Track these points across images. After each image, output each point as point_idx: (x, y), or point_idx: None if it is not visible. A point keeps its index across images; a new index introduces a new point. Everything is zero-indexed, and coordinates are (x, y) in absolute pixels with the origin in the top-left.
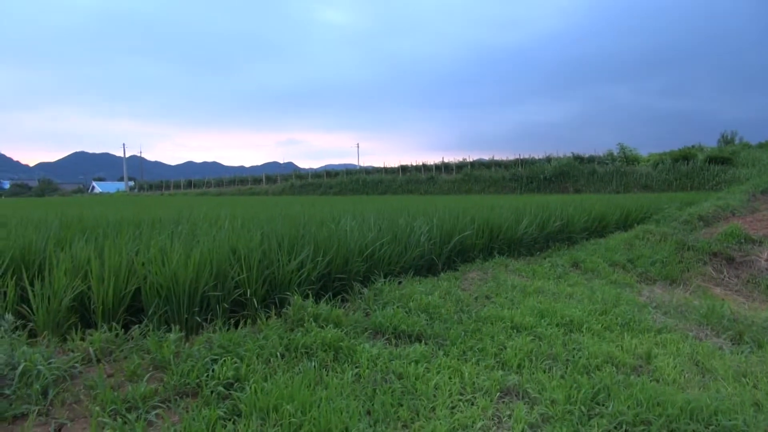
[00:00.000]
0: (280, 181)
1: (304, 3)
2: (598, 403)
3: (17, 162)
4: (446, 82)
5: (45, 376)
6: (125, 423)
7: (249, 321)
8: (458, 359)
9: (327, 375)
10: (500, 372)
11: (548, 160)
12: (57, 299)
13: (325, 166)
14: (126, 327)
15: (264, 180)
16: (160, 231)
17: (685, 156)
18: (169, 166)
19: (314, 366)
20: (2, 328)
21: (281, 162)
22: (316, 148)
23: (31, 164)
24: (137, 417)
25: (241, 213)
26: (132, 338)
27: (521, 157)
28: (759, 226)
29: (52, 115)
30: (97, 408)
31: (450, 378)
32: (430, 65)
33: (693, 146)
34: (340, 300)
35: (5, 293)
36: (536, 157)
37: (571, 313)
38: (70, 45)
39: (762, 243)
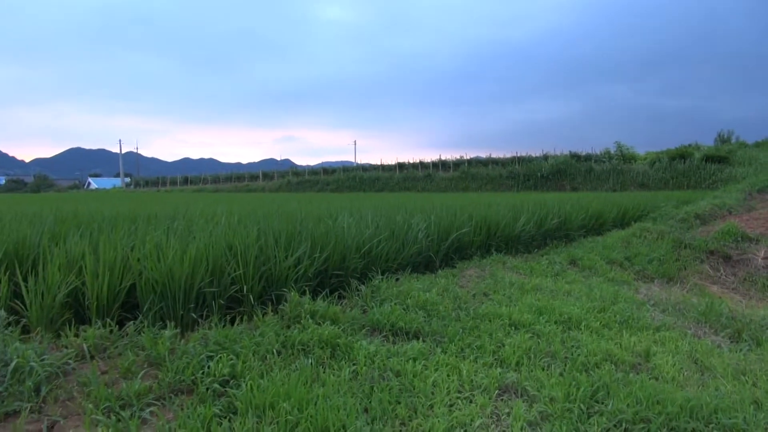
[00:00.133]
0: (277, 178)
1: (305, 0)
2: (597, 401)
3: (13, 158)
4: (444, 79)
5: (38, 372)
6: (119, 420)
7: (245, 318)
8: (456, 356)
9: (324, 372)
10: (498, 369)
11: (545, 158)
12: (51, 295)
13: (323, 163)
14: (121, 323)
15: (261, 177)
16: (156, 227)
17: (681, 155)
18: (166, 162)
19: (311, 363)
20: None
21: (278, 159)
22: (313, 145)
23: (27, 160)
24: (131, 414)
25: (238, 209)
26: (126, 335)
27: (518, 155)
28: (755, 225)
29: (49, 111)
30: (91, 405)
31: (448, 375)
32: (428, 63)
33: (690, 145)
34: (337, 297)
35: None
36: (533, 155)
37: (570, 311)
38: (70, 41)
39: (759, 241)
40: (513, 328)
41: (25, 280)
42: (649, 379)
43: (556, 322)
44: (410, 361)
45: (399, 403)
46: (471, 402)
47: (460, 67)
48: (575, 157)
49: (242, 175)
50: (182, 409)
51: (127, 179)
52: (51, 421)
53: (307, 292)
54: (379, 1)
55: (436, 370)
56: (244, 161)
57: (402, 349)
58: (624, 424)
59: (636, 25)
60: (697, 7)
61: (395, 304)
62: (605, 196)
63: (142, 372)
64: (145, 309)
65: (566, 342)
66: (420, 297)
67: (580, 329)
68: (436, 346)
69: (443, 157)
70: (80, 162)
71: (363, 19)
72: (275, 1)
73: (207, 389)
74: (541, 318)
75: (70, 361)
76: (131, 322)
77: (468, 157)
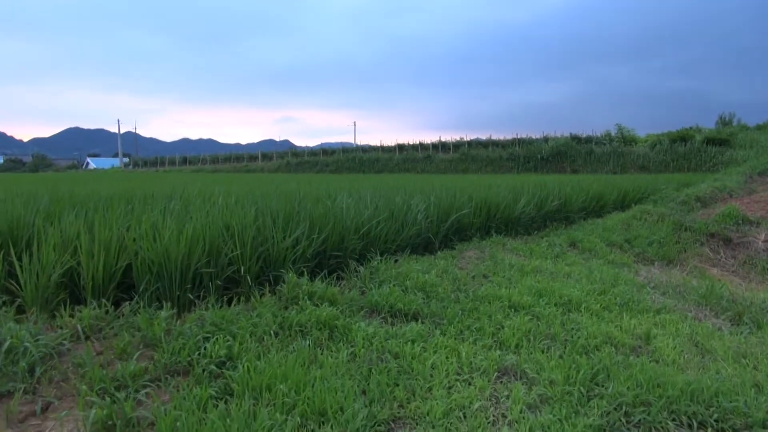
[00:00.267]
0: (276, 158)
1: None
2: (597, 384)
3: (11, 137)
4: (445, 60)
5: (32, 353)
6: (114, 402)
7: (242, 298)
8: (455, 339)
9: (322, 354)
10: (498, 352)
11: (546, 139)
12: (45, 275)
13: (322, 144)
14: (116, 304)
15: (260, 157)
16: (153, 207)
17: (682, 137)
18: (165, 142)
19: (309, 345)
20: None
21: (277, 140)
22: (312, 126)
23: (25, 139)
24: (126, 396)
25: (236, 190)
26: (122, 315)
27: (519, 137)
28: (756, 208)
29: (47, 90)
30: (85, 386)
31: (447, 358)
32: (429, 43)
33: (691, 127)
34: (335, 278)
35: None
36: (534, 137)
37: (570, 293)
38: (68, 17)
39: (759, 224)
40: (512, 310)
41: (19, 259)
42: (650, 362)
43: (556, 305)
44: (409, 343)
45: (397, 385)
46: (470, 384)
47: (460, 48)
48: (576, 139)
49: (241, 155)
50: (178, 391)
51: (126, 159)
52: (45, 403)
53: (305, 273)
54: None
55: (434, 352)
56: (243, 142)
57: (401, 331)
58: (624, 407)
59: (636, 4)
60: None
61: (394, 285)
62: (605, 178)
63: (138, 353)
64: (141, 289)
65: (566, 324)
66: (419, 278)
67: (580, 311)
68: (435, 328)
69: (443, 139)
70: (79, 142)
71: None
72: None
73: (203, 371)
74: (540, 300)
75: (64, 341)
76: (127, 302)
77: (468, 139)
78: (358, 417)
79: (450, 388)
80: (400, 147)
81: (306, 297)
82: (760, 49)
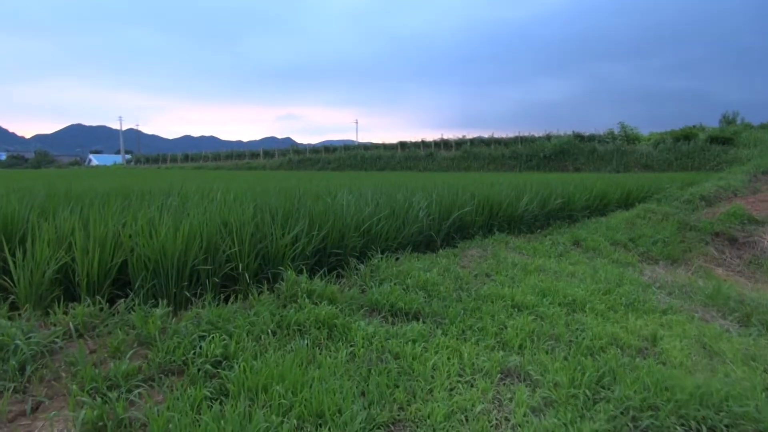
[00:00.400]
0: (278, 156)
1: None
2: (603, 387)
3: (13, 134)
4: (447, 59)
5: (23, 351)
6: (105, 402)
7: (240, 296)
8: (457, 339)
9: (320, 354)
10: (501, 353)
11: (548, 138)
12: (39, 271)
13: (324, 141)
14: (112, 301)
15: (262, 155)
16: (150, 203)
17: (686, 136)
18: (167, 139)
19: (307, 344)
20: None
21: (279, 137)
22: (314, 123)
23: (28, 136)
24: (118, 396)
25: (236, 186)
26: (117, 313)
27: (521, 135)
28: (762, 207)
29: (49, 87)
30: (76, 386)
31: (448, 358)
32: (430, 42)
33: (694, 126)
34: (335, 276)
35: None
36: (536, 135)
37: (574, 293)
38: (70, 15)
39: (765, 224)
40: (516, 309)
41: (13, 255)
42: (657, 364)
43: (560, 304)
44: (409, 343)
45: (397, 386)
46: (472, 386)
47: (462, 47)
48: (579, 137)
49: (243, 152)
50: (172, 391)
51: (128, 156)
52: (35, 402)
53: (305, 270)
54: None
55: (436, 352)
56: (245, 139)
57: (401, 331)
58: (631, 412)
59: (638, 2)
60: None
61: (395, 284)
62: (609, 176)
63: (132, 352)
64: (136, 286)
65: (570, 325)
66: (420, 277)
67: (585, 312)
68: (437, 327)
69: (445, 137)
70: (81, 138)
71: None
72: None
73: (198, 370)
74: (544, 300)
75: (57, 339)
76: (122, 300)
77: (470, 137)
78: (357, 419)
79: (451, 389)
80: (402, 144)
81: (305, 295)
82: (761, 49)
